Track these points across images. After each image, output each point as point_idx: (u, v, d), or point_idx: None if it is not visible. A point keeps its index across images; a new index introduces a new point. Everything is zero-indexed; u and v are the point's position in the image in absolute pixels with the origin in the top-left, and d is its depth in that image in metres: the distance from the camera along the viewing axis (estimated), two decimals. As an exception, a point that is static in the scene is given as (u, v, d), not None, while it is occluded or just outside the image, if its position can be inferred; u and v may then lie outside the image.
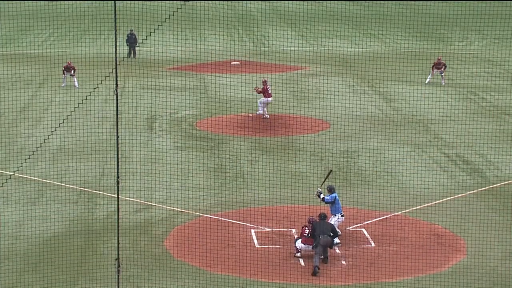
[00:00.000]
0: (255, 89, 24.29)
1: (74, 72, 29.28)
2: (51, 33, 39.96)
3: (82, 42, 37.93)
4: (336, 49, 36.70)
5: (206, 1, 46.10)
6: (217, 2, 50.15)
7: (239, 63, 33.07)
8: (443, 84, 29.39)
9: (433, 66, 29.96)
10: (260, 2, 54.26)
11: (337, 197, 14.43)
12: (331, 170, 15.72)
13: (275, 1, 51.20)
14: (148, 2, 49.67)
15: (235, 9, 49.48)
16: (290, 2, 50.15)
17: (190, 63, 33.67)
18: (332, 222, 14.06)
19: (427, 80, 29.79)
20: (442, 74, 29.73)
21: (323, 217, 13.74)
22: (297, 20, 45.08)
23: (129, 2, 51.70)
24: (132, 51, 35.60)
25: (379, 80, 29.97)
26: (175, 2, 42.41)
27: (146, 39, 32.06)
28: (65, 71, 29.36)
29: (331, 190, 14.40)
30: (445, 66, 29.84)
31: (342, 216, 14.40)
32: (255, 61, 33.94)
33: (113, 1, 24.11)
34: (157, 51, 34.31)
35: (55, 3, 47.50)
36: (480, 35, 39.89)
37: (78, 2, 47.31)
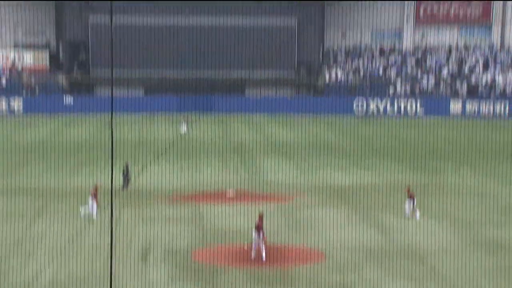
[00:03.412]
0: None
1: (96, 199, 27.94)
2: (48, 166, 40.33)
3: (78, 174, 38.19)
4: (331, 180, 37.03)
5: (202, 133, 46.74)
6: (213, 133, 51.07)
7: (234, 193, 33.24)
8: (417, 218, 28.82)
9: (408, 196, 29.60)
10: (255, 133, 55.26)
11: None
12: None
13: (270, 134, 52.15)
14: (144, 134, 50.49)
15: (231, 140, 50.25)
16: (285, 133, 51.07)
17: (185, 193, 33.80)
18: None
19: (406, 210, 29.40)
20: (414, 205, 29.32)
21: None
22: (291, 151, 45.75)
23: (126, 134, 52.48)
24: (126, 183, 35.96)
25: (373, 211, 30.05)
26: (172, 134, 43.02)
27: (143, 171, 32.30)
28: (91, 198, 28.07)
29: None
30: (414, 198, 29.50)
31: None
32: (250, 191, 34.13)
33: (110, 136, 24.47)
34: (153, 181, 34.52)
35: (52, 138, 48.31)
36: (473, 169, 40.42)
37: (76, 135, 48.03)
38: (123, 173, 35.41)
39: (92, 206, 28.13)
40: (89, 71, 76.54)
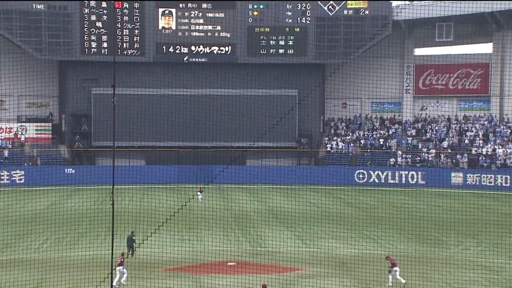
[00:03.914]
0: None
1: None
2: (48, 237, 40.22)
3: (79, 245, 38.04)
4: (332, 250, 36.81)
5: (203, 204, 46.68)
6: (214, 203, 51.05)
7: (235, 263, 33.03)
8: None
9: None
10: (256, 204, 55.23)
11: None
12: None
13: (271, 203, 52.11)
14: (146, 204, 50.47)
15: (232, 210, 50.19)
16: (287, 203, 51.03)
17: (186, 264, 33.59)
18: None
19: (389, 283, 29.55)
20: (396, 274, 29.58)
21: None
22: (292, 221, 45.65)
23: (127, 204, 52.41)
24: (131, 250, 35.93)
25: (376, 282, 29.79)
26: (173, 204, 42.84)
27: (143, 242, 32.25)
28: (119, 268, 29.06)
29: None
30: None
31: None
32: (251, 261, 33.92)
33: (111, 206, 24.55)
34: (154, 252, 34.36)
35: (53, 210, 48.28)
36: (476, 241, 40.19)
37: (78, 207, 48.00)
38: (128, 241, 35.44)
39: (121, 274, 29.26)
40: (91, 143, 77.04)
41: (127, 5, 73.91)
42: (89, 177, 65.86)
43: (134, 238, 35.41)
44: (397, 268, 29.69)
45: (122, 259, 30.01)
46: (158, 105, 72.46)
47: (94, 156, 77.37)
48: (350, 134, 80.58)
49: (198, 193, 56.05)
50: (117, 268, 29.62)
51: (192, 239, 40.51)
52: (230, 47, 75.44)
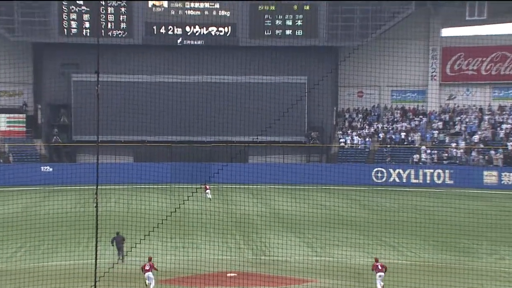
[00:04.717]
0: None
1: None
2: (22, 245, 40.42)
3: (57, 253, 38.27)
4: (346, 260, 36.98)
5: (199, 207, 46.95)
6: (212, 206, 51.30)
7: (236, 274, 33.22)
8: None
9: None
10: (259, 206, 55.43)
11: None
12: None
13: (277, 206, 52.31)
14: (134, 207, 50.77)
15: (232, 214, 50.36)
16: (294, 206, 51.22)
17: (181, 275, 33.78)
18: None
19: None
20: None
21: None
22: (301, 226, 45.83)
23: (113, 207, 52.63)
24: (120, 254, 36.32)
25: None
26: (165, 207, 42.89)
27: (131, 250, 32.40)
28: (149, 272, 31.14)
29: None
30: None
31: None
32: (254, 272, 34.10)
33: (95, 209, 24.84)
34: (143, 261, 34.58)
35: (28, 213, 48.52)
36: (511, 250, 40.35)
37: (56, 210, 48.24)
38: (117, 244, 35.87)
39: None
40: (71, 137, 77.26)
41: (112, -21, 74.15)
42: (69, 176, 66.09)
43: (123, 238, 36.05)
44: (382, 274, 30.42)
45: (151, 264, 31.88)
46: (148, 94, 72.60)
47: (75, 152, 77.65)
48: (367, 127, 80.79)
49: (207, 191, 58.08)
50: (145, 274, 31.61)
51: (187, 247, 40.72)
52: (230, 27, 75.65)
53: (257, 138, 71.72)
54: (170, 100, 72.10)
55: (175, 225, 41.23)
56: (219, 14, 75.56)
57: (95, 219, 25.88)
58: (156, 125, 74.66)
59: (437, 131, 79.24)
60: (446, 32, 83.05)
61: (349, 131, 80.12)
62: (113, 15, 74.65)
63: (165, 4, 75.25)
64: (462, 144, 76.72)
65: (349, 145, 78.67)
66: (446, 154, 75.93)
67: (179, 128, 74.65)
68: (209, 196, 58.17)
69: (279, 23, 75.90)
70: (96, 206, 25.94)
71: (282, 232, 45.17)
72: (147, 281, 31.58)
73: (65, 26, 74.29)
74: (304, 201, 56.48)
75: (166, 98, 71.99)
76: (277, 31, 75.74)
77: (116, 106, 70.45)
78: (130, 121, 72.97)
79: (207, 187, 58.97)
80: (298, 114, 74.97)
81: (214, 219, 46.51)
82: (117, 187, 63.24)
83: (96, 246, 25.32)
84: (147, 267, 31.80)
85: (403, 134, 79.10)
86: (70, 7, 74.06)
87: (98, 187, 26.49)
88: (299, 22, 75.90)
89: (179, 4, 75.41)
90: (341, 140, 79.02)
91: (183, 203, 51.48)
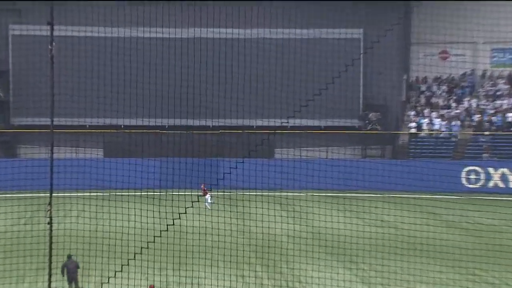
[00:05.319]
0: None
1: None
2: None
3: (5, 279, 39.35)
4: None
5: (202, 223, 47.77)
6: (221, 222, 52.00)
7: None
8: None
9: None
10: (291, 223, 55.99)
11: None
12: None
13: (316, 223, 52.95)
14: (106, 223, 51.60)
15: (250, 234, 50.91)
16: (341, 223, 51.87)
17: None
18: None
19: None
20: None
21: None
22: (352, 252, 46.34)
23: (74, 223, 53.45)
24: (74, 283, 37.25)
25: None
26: (152, 223, 43.98)
27: (108, 281, 33.44)
28: None
29: None
30: None
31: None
32: (282, 320, 34.81)
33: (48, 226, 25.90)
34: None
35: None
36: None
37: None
38: (68, 272, 36.79)
39: None
40: (9, 119, 77.98)
41: None
42: (8, 179, 66.91)
43: (77, 264, 36.84)
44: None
45: None
46: (126, 56, 72.94)
47: (16, 142, 78.32)
48: (454, 105, 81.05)
49: (207, 197, 58.10)
50: None
51: (184, 283, 41.45)
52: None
53: (287, 123, 72.25)
54: (159, 65, 72.39)
55: (167, 251, 42.07)
56: None
57: (48, 240, 26.57)
58: (137, 103, 75.15)
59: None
60: None
61: (426, 111, 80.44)
62: None
63: None
64: None
65: (427, 132, 79.01)
66: None
67: (172, 107, 75.05)
68: (209, 202, 58.34)
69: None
70: (50, 223, 26.64)
71: (325, 260, 45.78)
72: None
73: (2, -44, 75.23)
74: (357, 215, 57.03)
75: (153, 62, 72.35)
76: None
77: (79, 75, 71.06)
78: (99, 97, 73.22)
79: (207, 190, 58.60)
80: (350, 86, 75.43)
81: (223, 241, 47.16)
82: (80, 194, 64.03)
83: (50, 277, 26.16)
84: None
85: (510, 116, 79.09)
86: None
87: (53, 194, 27.19)
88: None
89: None
90: (413, 124, 79.38)
91: (178, 218, 53.01)
